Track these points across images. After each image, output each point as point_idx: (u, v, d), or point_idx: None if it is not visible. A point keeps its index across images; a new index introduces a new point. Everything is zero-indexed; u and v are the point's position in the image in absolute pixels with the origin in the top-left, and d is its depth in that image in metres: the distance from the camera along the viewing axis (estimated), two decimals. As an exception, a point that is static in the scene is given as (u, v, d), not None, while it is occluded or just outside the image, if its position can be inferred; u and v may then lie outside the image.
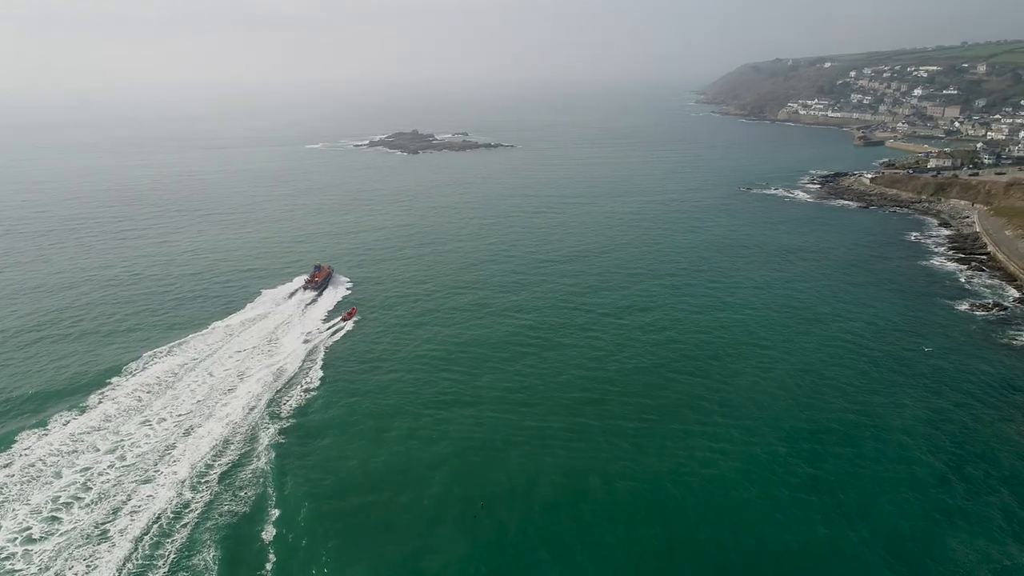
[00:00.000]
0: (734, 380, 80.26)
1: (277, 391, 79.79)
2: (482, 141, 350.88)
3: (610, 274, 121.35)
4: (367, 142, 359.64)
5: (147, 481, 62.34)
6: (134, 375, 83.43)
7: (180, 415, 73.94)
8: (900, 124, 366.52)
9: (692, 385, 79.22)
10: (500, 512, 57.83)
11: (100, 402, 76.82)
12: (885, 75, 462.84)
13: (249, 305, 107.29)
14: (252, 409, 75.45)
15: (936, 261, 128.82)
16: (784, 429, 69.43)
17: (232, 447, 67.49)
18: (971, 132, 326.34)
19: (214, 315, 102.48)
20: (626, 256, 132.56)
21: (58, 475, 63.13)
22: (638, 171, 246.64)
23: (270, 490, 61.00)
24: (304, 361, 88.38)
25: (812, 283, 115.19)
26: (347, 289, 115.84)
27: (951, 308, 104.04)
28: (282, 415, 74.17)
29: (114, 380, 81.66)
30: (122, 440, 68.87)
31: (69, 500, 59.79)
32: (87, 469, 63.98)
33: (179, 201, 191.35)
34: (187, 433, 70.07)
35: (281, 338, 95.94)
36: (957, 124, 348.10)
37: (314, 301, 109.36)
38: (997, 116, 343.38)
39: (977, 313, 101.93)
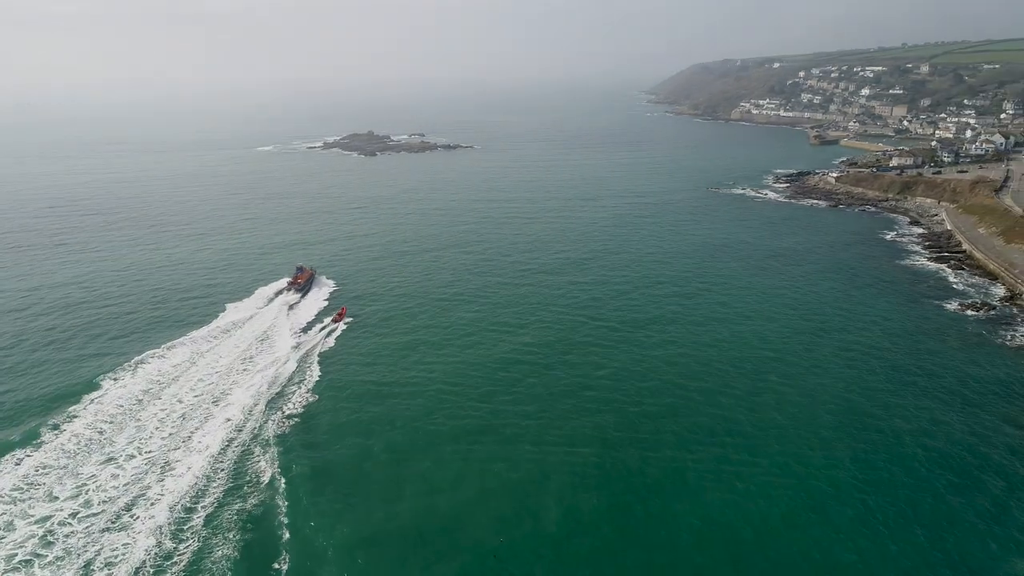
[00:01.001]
0: (762, 396, 75.80)
1: (272, 403, 74.73)
2: (440, 142, 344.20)
3: (600, 284, 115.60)
4: (320, 144, 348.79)
5: (123, 529, 55.11)
6: (93, 402, 75.29)
7: (168, 433, 67.22)
8: (851, 123, 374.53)
9: (721, 406, 73.80)
10: (525, 555, 52.67)
11: (56, 436, 68.69)
12: (833, 75, 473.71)
13: (222, 315, 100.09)
14: (249, 418, 71.03)
15: (917, 260, 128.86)
16: (832, 449, 65.47)
17: (221, 480, 60.58)
18: (920, 131, 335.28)
19: (181, 330, 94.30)
20: (613, 264, 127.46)
21: (10, 527, 55.38)
22: (605, 173, 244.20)
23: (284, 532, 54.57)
24: (296, 372, 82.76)
25: (807, 288, 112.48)
26: (331, 291, 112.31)
27: (941, 308, 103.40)
28: (285, 437, 67.58)
29: (72, 408, 73.50)
30: (86, 483, 61.16)
31: (27, 558, 52.19)
32: (47, 519, 56.29)
33: (126, 210, 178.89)
34: (172, 458, 62.98)
35: (269, 342, 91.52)
36: (906, 123, 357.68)
37: (298, 303, 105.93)
38: (943, 115, 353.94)
39: (968, 313, 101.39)
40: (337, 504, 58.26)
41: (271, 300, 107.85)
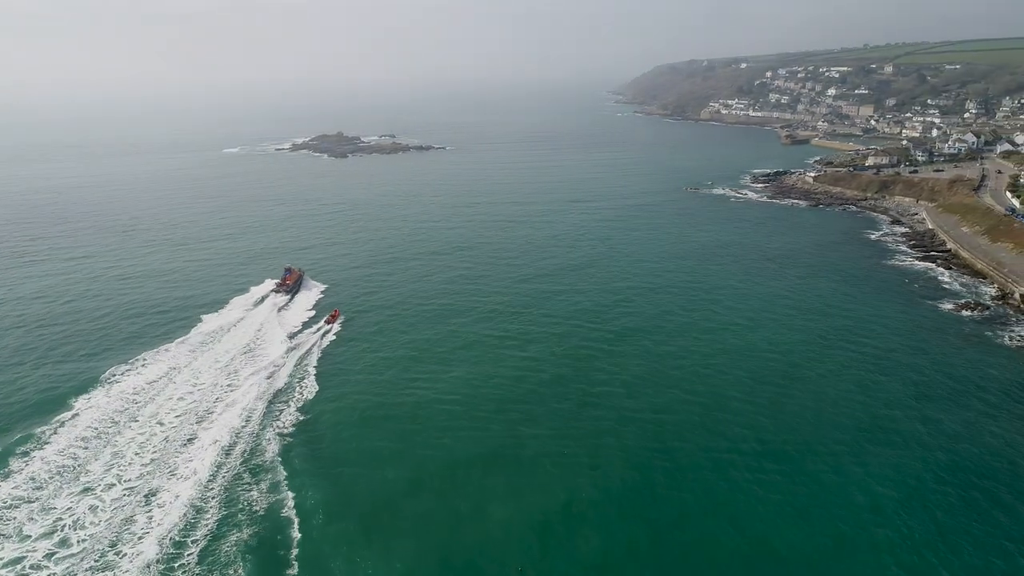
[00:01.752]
0: (784, 407, 73.03)
1: (266, 422, 70.46)
2: (413, 144, 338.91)
3: (598, 291, 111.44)
4: (289, 145, 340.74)
5: (107, 569, 50.23)
6: (65, 425, 69.82)
7: (150, 458, 61.87)
8: (820, 123, 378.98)
9: (745, 417, 70.79)
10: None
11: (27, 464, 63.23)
12: (800, 75, 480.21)
13: (200, 326, 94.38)
14: (238, 440, 66.85)
15: (904, 260, 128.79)
16: (866, 462, 63.05)
17: (214, 509, 56.05)
18: (887, 130, 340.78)
19: (159, 343, 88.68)
20: (607, 270, 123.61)
21: (-19, 571, 50.29)
22: (583, 174, 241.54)
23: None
24: (291, 386, 78.87)
25: (806, 291, 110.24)
26: (321, 293, 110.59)
27: (937, 309, 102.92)
28: (285, 461, 63.27)
29: (42, 432, 67.91)
30: (61, 518, 56.06)
31: (0, 607, 47.26)
32: (17, 562, 51.20)
33: (93, 217, 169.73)
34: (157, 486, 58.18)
35: (260, 348, 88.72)
36: (873, 122, 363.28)
37: (287, 305, 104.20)
38: (909, 115, 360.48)
39: (964, 313, 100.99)
40: (350, 539, 53.97)
41: (259, 303, 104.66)
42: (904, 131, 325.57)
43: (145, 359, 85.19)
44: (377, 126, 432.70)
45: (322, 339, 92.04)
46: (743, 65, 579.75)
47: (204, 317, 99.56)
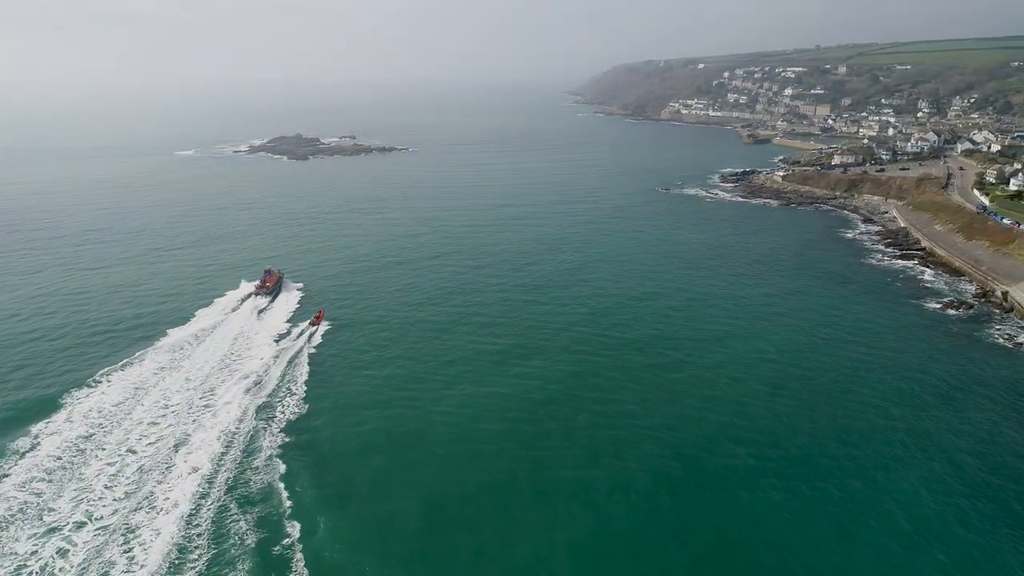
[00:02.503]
0: (804, 417, 70.87)
1: (251, 447, 65.65)
2: (375, 145, 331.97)
3: (589, 300, 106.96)
4: (246, 147, 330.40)
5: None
6: (25, 456, 63.59)
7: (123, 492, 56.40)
8: (779, 122, 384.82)
9: (768, 432, 68.16)
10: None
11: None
12: (756, 76, 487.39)
13: (164, 339, 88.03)
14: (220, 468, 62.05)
15: (884, 259, 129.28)
16: (898, 477, 60.97)
17: (200, 547, 51.06)
18: (844, 129, 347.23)
19: (125, 357, 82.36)
20: (594, 276, 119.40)
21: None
22: (553, 176, 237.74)
23: None
24: (278, 406, 73.87)
25: (794, 294, 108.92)
26: (299, 295, 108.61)
27: (920, 308, 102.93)
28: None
29: (-2, 471, 61.62)
30: (26, 565, 50.37)
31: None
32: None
33: (46, 227, 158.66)
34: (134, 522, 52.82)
35: (247, 352, 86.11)
36: (830, 121, 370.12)
37: (268, 307, 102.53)
38: (864, 114, 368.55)
39: (950, 312, 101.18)
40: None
41: (236, 309, 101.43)
42: (861, 130, 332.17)
43: (110, 379, 78.97)
44: (336, 127, 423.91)
45: (309, 341, 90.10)
46: (700, 65, 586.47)
47: (171, 331, 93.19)
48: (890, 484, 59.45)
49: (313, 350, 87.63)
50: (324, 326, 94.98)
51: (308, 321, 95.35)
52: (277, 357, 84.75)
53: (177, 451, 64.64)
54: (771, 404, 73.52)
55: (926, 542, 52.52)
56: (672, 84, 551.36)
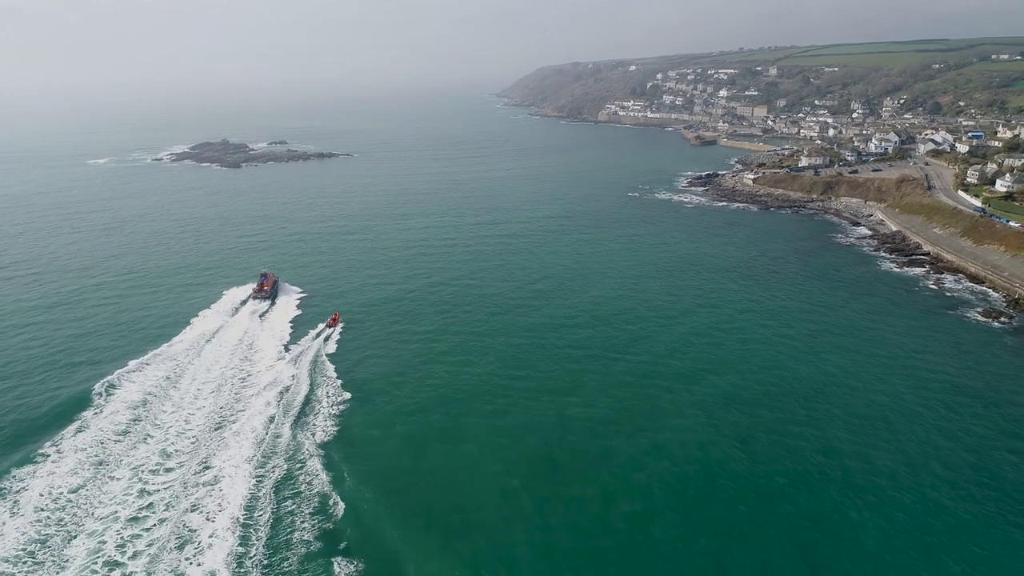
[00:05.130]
0: (893, 451, 64.06)
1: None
2: (311, 151, 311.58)
3: (599, 323, 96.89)
4: (167, 155, 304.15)
5: None
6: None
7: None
8: (720, 124, 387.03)
9: (869, 471, 61.16)
10: None
11: None
12: (690, 77, 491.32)
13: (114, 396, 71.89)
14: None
15: (893, 266, 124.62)
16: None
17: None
18: (785, 130, 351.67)
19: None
20: (593, 294, 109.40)
21: None
22: (511, 183, 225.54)
23: None
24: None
25: (821, 307, 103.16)
26: (299, 298, 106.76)
27: (961, 320, 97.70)
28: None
29: None
30: None
31: None
32: None
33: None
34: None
35: (260, 356, 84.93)
36: (770, 122, 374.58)
37: (269, 310, 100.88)
38: (801, 115, 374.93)
39: (994, 324, 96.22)
40: None
41: (234, 313, 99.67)
42: (802, 130, 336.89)
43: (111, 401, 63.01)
44: (261, 132, 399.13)
45: (325, 344, 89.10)
46: (632, 68, 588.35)
47: (119, 372, 76.69)
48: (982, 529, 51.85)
49: (332, 350, 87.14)
50: (340, 328, 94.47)
51: (325, 323, 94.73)
52: (299, 358, 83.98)
53: (213, 457, 62.93)
54: (858, 441, 65.92)
55: None
56: (606, 86, 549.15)
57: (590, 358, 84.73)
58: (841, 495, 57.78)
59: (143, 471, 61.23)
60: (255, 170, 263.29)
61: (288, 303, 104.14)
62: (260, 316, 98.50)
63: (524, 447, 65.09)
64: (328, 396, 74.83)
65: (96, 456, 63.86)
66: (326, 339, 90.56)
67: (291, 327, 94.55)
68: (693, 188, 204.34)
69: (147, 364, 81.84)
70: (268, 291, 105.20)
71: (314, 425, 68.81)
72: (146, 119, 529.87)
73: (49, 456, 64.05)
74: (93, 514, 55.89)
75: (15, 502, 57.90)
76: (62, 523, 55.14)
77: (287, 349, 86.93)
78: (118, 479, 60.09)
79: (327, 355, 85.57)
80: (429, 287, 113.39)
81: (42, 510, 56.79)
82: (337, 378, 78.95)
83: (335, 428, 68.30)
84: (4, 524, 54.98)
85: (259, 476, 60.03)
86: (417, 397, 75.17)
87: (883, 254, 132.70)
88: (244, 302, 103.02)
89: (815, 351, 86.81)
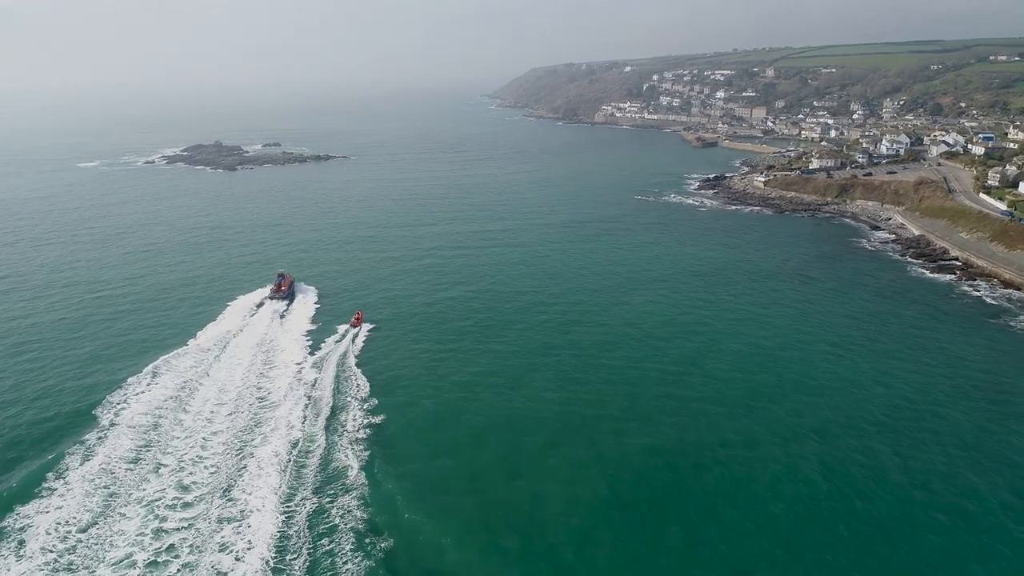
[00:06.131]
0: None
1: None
2: (307, 153, 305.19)
3: (642, 328, 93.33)
4: (159, 157, 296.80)
5: None
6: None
7: None
8: (720, 125, 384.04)
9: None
10: None
11: None
12: (686, 79, 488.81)
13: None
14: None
15: (923, 272, 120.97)
16: None
17: None
18: (785, 131, 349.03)
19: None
20: (635, 300, 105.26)
21: None
22: (517, 187, 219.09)
23: None
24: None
25: (860, 316, 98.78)
26: (316, 298, 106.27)
27: (1006, 329, 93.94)
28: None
29: None
30: None
31: None
32: None
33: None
34: None
35: (283, 356, 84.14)
36: (770, 124, 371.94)
37: (288, 311, 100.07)
38: (801, 116, 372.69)
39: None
40: None
41: (254, 313, 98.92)
42: (803, 132, 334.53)
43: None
44: (254, 134, 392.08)
45: (353, 342, 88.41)
46: (627, 68, 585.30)
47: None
48: None
49: (359, 350, 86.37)
50: (365, 328, 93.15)
51: (349, 323, 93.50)
52: (326, 358, 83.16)
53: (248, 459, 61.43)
54: (947, 474, 60.67)
55: None
56: (601, 87, 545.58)
57: (647, 380, 78.83)
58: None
59: (159, 506, 56.05)
60: (252, 173, 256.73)
61: (306, 302, 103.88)
62: (280, 316, 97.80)
63: (589, 484, 59.63)
64: (359, 408, 71.44)
65: (106, 487, 58.51)
66: (354, 338, 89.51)
67: (313, 325, 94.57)
68: (702, 191, 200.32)
69: (156, 382, 76.34)
70: (285, 291, 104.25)
71: (349, 443, 64.86)
72: (133, 120, 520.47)
73: (55, 489, 58.44)
74: (105, 559, 50.68)
75: (20, 541, 52.66)
76: (72, 568, 50.06)
77: (311, 352, 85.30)
78: (130, 517, 54.79)
79: (354, 365, 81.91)
80: (457, 298, 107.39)
81: (50, 551, 51.60)
82: (370, 396, 74.19)
83: (373, 446, 64.37)
84: (10, 570, 49.81)
85: (289, 511, 54.85)
86: (469, 418, 70.43)
87: (910, 259, 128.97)
88: (260, 304, 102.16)
89: (879, 367, 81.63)
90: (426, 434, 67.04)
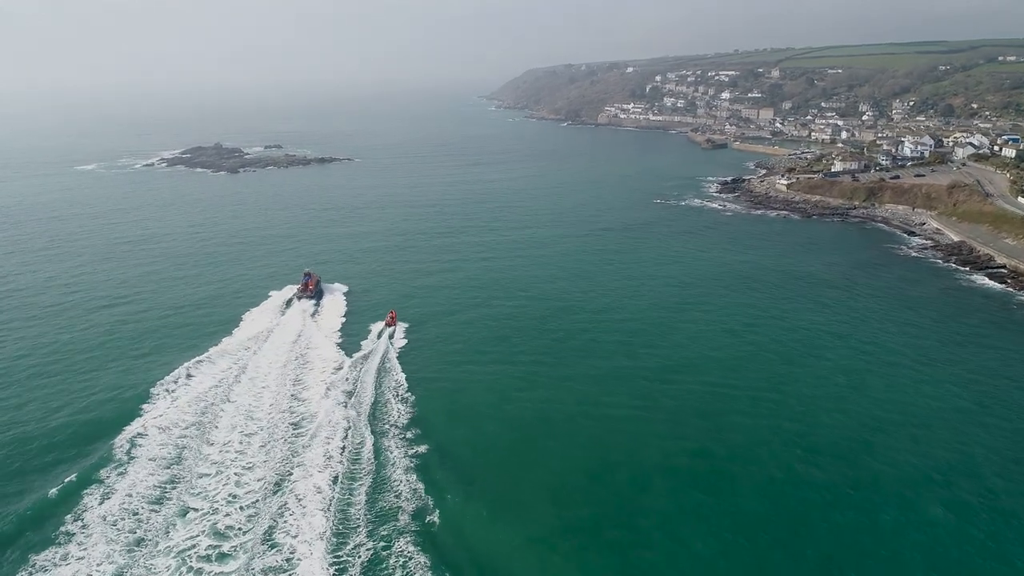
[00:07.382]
0: None
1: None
2: (310, 155, 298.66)
3: (707, 355, 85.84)
4: (159, 160, 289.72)
5: None
6: None
7: None
8: (727, 126, 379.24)
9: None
10: None
11: None
12: (690, 79, 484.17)
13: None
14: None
15: (972, 281, 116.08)
16: None
17: None
18: (794, 132, 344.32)
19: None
20: (688, 318, 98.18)
21: None
22: (531, 190, 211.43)
23: None
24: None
25: (920, 333, 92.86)
26: (344, 296, 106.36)
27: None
28: None
29: None
30: None
31: None
32: None
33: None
34: None
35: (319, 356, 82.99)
36: (778, 125, 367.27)
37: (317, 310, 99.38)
38: (809, 117, 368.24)
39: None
40: None
41: (283, 311, 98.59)
42: (813, 133, 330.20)
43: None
44: (255, 136, 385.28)
45: (391, 341, 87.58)
46: (629, 69, 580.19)
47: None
48: None
49: (399, 349, 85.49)
50: (401, 328, 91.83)
51: (384, 322, 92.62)
52: (366, 359, 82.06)
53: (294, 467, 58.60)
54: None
55: None
56: (603, 88, 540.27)
57: (733, 409, 72.52)
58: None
59: (190, 556, 50.04)
60: (255, 176, 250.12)
61: (335, 301, 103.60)
62: (312, 315, 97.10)
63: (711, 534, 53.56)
64: (401, 433, 66.16)
65: (132, 532, 52.52)
66: (390, 336, 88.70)
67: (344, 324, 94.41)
68: (722, 195, 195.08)
69: (175, 403, 70.35)
70: (313, 290, 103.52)
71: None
72: (132, 121, 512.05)
73: (74, 535, 52.40)
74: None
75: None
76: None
77: (348, 354, 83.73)
78: (160, 572, 48.78)
79: (398, 374, 78.45)
80: (499, 310, 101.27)
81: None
82: (415, 414, 69.53)
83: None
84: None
85: (340, 560, 49.01)
86: (545, 443, 65.22)
87: (954, 266, 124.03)
88: (289, 302, 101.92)
89: (976, 398, 74.77)
90: (490, 460, 61.53)
